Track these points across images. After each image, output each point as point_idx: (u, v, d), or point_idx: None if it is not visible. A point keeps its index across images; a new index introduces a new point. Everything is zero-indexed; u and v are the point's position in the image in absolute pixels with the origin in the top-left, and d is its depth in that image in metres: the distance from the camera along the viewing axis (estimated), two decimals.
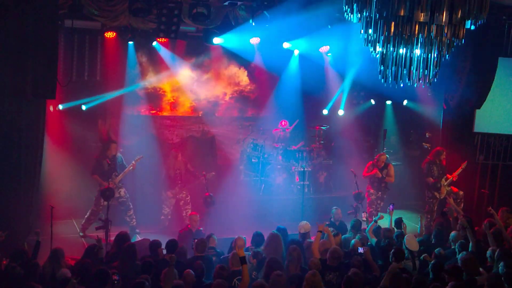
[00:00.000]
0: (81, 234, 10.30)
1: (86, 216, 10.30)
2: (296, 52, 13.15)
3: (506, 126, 11.25)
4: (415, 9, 5.53)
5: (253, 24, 10.29)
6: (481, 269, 6.85)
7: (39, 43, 8.13)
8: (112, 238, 8.12)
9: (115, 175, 10.15)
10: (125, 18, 9.63)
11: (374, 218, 8.49)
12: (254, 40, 12.04)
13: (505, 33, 10.71)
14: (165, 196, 10.77)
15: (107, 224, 8.96)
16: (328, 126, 13.34)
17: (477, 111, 11.14)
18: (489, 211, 8.38)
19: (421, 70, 5.95)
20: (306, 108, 13.58)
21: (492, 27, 10.41)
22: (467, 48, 10.52)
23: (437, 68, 5.98)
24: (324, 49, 12.88)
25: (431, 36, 5.71)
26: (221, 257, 7.57)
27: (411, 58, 5.88)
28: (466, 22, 5.80)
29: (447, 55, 5.93)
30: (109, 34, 11.01)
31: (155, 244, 7.32)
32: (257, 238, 7.83)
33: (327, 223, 8.44)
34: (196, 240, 7.38)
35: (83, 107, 11.50)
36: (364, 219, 9.77)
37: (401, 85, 6.08)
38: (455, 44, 5.88)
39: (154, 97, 12.98)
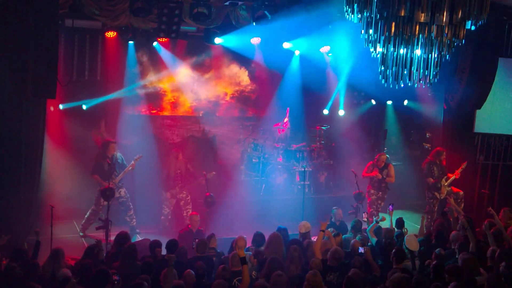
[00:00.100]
0: (81, 234, 10.31)
1: (86, 216, 10.30)
2: (297, 52, 13.13)
3: (506, 126, 11.27)
4: (415, 9, 5.54)
5: (254, 24, 10.29)
6: (481, 269, 6.85)
7: (39, 42, 8.10)
8: (112, 238, 8.12)
9: (115, 175, 10.15)
10: (126, 18, 9.62)
11: (375, 219, 8.47)
12: (255, 40, 12.03)
13: (505, 33, 10.72)
14: (165, 197, 10.77)
15: (107, 224, 8.95)
16: (328, 126, 13.34)
17: (478, 111, 11.14)
18: (489, 212, 8.38)
19: (421, 70, 5.95)
20: (306, 108, 13.56)
21: (492, 27, 10.37)
22: (467, 48, 10.51)
23: (438, 68, 5.99)
24: (325, 49, 12.87)
25: (432, 37, 5.71)
26: (221, 257, 7.56)
27: (411, 58, 5.89)
28: (467, 22, 5.81)
29: (447, 56, 5.93)
30: (110, 34, 10.98)
31: (155, 244, 7.32)
32: (258, 238, 7.82)
33: (328, 223, 8.44)
34: (197, 240, 7.38)
35: (84, 107, 11.50)
36: (365, 219, 9.77)
37: (402, 85, 6.08)
38: (455, 44, 5.88)
39: (154, 96, 12.95)
